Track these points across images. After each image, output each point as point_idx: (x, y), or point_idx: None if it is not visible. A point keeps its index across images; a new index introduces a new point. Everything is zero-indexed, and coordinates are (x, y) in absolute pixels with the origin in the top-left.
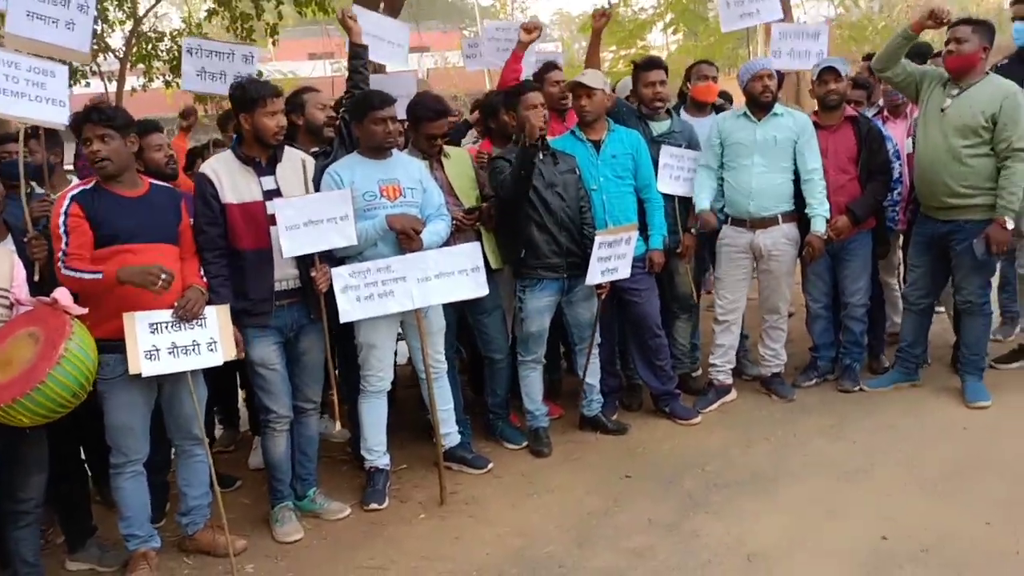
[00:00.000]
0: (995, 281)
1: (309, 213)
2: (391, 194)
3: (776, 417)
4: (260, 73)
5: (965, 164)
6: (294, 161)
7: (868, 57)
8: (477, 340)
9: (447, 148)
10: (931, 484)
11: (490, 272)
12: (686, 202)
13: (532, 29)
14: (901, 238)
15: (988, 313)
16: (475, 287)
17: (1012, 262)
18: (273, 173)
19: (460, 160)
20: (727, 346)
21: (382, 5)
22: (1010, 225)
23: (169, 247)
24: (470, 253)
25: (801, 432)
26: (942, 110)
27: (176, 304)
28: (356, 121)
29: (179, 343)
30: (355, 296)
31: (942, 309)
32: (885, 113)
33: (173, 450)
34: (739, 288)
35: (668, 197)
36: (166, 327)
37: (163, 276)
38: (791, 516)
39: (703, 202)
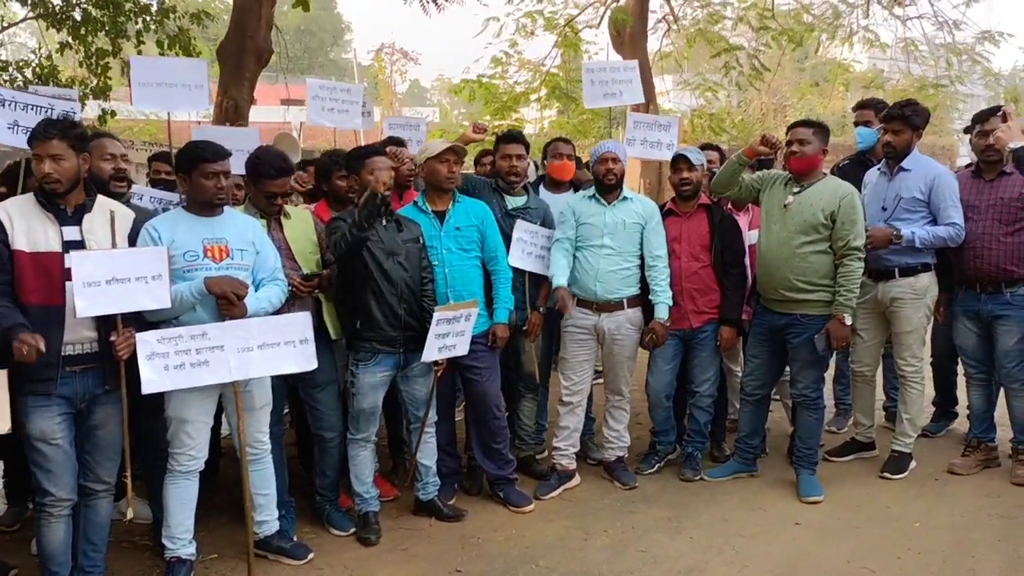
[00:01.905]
0: (831, 372)
1: (114, 269)
2: (216, 255)
3: (616, 507)
4: (113, 113)
5: (804, 260)
6: (104, 211)
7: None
8: (308, 416)
9: (288, 208)
10: None
11: (328, 342)
12: (537, 279)
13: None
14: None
15: (821, 407)
16: (303, 360)
17: (847, 356)
18: (79, 223)
19: (302, 221)
20: (571, 428)
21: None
22: (848, 321)
23: None
24: (299, 323)
25: (640, 524)
26: (784, 206)
27: None
28: (184, 174)
29: None
30: (163, 364)
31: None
32: (729, 206)
33: None
34: (584, 369)
35: (519, 272)
36: None
37: None
38: None
39: (560, 278)
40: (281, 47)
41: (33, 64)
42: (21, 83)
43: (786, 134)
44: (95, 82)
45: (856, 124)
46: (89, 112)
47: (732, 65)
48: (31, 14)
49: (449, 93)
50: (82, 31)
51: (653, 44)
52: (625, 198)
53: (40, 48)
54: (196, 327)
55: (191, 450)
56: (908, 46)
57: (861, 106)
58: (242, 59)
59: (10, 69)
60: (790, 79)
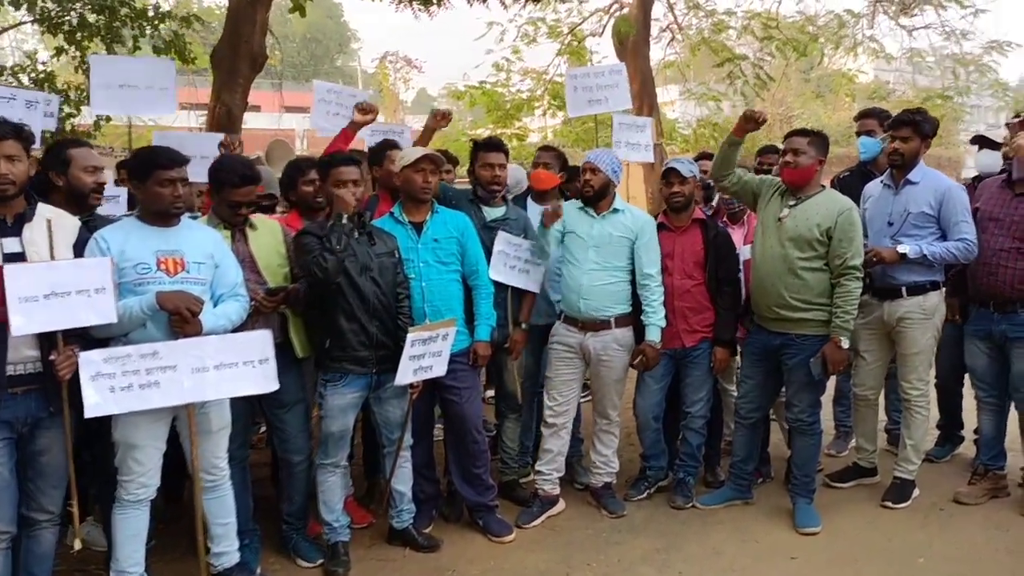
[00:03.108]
0: (831, 393)
1: (53, 283)
2: (171, 268)
3: (602, 536)
4: (108, 118)
5: (799, 276)
6: (44, 221)
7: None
8: (273, 438)
9: (255, 218)
10: None
11: (295, 360)
12: (519, 294)
13: (367, 111)
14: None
15: (818, 432)
16: (263, 381)
17: (848, 377)
18: (19, 234)
19: (269, 232)
20: (555, 452)
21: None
22: (845, 344)
23: None
24: (259, 341)
25: (626, 557)
26: (779, 219)
27: None
28: (138, 181)
29: None
30: (108, 386)
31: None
32: (724, 218)
33: None
34: (570, 389)
35: (500, 286)
36: None
37: None
38: None
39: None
40: (282, 54)
41: (28, 69)
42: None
43: (783, 143)
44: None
45: (858, 134)
46: (86, 118)
47: (736, 74)
48: (27, 18)
49: (454, 101)
50: (77, 36)
51: (657, 53)
52: (616, 210)
53: (36, 53)
54: (146, 345)
55: (141, 477)
56: (914, 56)
57: (864, 115)
58: (236, 64)
59: (5, 74)
60: (795, 90)
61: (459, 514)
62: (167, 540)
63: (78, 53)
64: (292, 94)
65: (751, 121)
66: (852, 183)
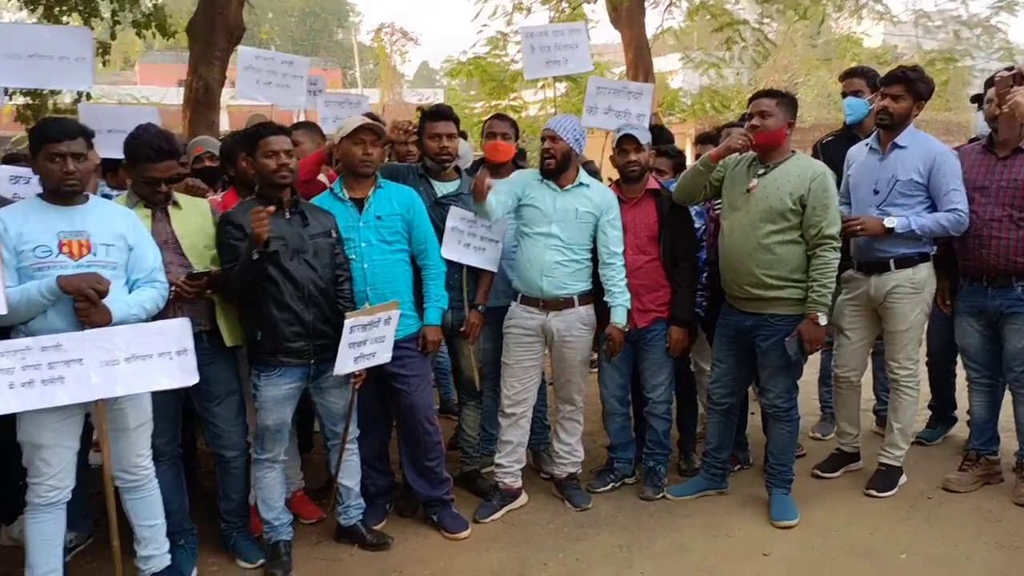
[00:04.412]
0: (816, 372)
1: None
2: (75, 250)
3: (563, 532)
4: (88, 95)
5: (771, 251)
6: None
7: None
8: (205, 432)
9: (181, 196)
10: None
11: (227, 349)
12: (475, 274)
13: None
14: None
15: (795, 419)
16: (181, 374)
17: (831, 355)
18: None
19: (196, 211)
20: (515, 443)
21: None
22: (823, 321)
23: None
24: (175, 331)
25: (586, 555)
26: (748, 190)
27: None
28: (33, 156)
29: None
30: (7, 382)
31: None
32: None
33: None
34: (529, 375)
35: (455, 266)
36: None
37: None
38: None
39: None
40: (279, 28)
41: None
42: None
43: (747, 106)
44: None
45: (844, 95)
46: (66, 97)
47: (735, 40)
48: None
49: (458, 76)
50: (55, 10)
51: (655, 20)
52: (582, 184)
53: None
54: (48, 337)
55: (50, 479)
56: (920, 19)
57: (850, 74)
58: (212, 37)
59: None
60: (802, 56)
61: (415, 507)
62: (97, 539)
63: None
64: None
65: (734, 152)
66: (836, 148)
